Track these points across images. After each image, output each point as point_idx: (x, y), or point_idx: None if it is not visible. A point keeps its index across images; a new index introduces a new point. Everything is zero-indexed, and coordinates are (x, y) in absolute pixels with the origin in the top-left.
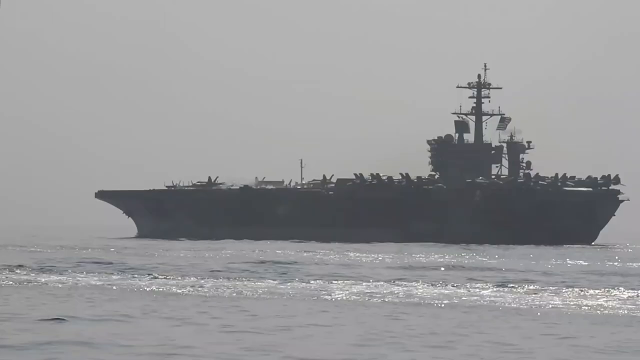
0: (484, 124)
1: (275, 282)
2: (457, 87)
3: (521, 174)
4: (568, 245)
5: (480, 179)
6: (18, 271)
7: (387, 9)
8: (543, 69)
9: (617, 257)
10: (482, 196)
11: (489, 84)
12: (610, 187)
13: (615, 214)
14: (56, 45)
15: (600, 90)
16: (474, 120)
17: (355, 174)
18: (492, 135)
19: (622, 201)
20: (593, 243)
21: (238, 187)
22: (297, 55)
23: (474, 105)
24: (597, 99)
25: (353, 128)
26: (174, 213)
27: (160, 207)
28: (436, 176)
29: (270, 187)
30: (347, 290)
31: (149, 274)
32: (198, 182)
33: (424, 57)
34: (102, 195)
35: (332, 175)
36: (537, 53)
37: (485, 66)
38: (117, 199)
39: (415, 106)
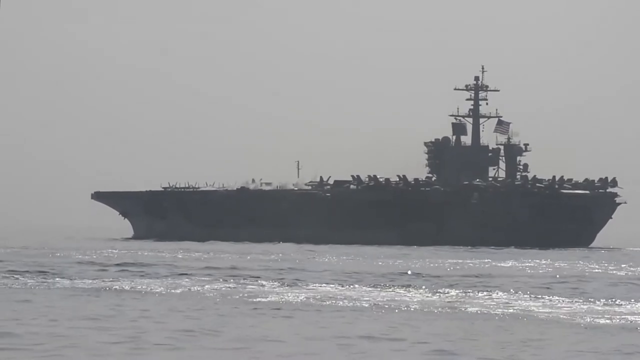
0: (481, 126)
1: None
2: (455, 89)
3: (518, 177)
4: (565, 249)
5: (478, 181)
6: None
7: (383, 11)
8: (541, 70)
9: None
10: (479, 198)
11: (487, 86)
12: (607, 190)
13: (613, 216)
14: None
15: (598, 92)
16: (471, 122)
17: (352, 176)
18: (489, 137)
19: (620, 204)
20: (590, 246)
21: (235, 188)
22: (294, 59)
23: (471, 107)
24: (595, 101)
25: (350, 130)
26: (170, 214)
27: (157, 208)
28: (433, 178)
29: (267, 188)
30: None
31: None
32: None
33: (420, 59)
34: (98, 196)
35: (329, 177)
36: (535, 55)
37: (482, 68)
38: (114, 200)
39: (412, 108)
